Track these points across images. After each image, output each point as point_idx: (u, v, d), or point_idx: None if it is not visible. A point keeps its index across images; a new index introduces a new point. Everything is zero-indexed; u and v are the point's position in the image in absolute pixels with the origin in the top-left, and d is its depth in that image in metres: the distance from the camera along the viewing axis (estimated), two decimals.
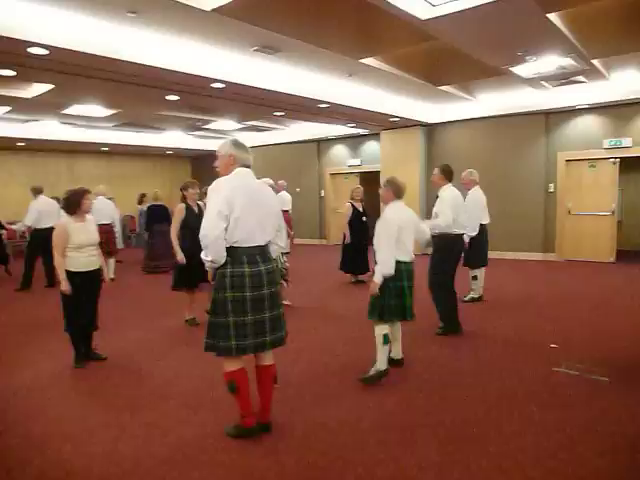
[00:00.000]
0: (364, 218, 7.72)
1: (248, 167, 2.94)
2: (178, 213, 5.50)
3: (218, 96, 7.38)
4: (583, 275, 8.29)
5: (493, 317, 5.71)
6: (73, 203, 4.25)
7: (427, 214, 11.03)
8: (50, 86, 7.24)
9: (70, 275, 4.15)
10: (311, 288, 7.61)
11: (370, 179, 12.25)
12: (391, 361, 4.08)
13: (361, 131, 11.97)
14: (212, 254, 2.78)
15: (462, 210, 5.27)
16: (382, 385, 3.80)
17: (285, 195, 11.82)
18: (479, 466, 2.67)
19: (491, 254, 9.54)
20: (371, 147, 12.31)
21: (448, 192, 5.08)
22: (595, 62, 7.09)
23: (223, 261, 2.80)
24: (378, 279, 3.73)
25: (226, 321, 2.83)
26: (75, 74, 6.12)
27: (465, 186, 6.27)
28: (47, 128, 11.19)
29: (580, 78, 7.83)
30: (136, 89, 7.05)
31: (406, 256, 3.86)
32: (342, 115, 9.41)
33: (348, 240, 7.63)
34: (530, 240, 9.89)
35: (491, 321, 5.53)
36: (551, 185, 9.69)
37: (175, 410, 3.47)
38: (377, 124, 10.66)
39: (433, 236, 4.67)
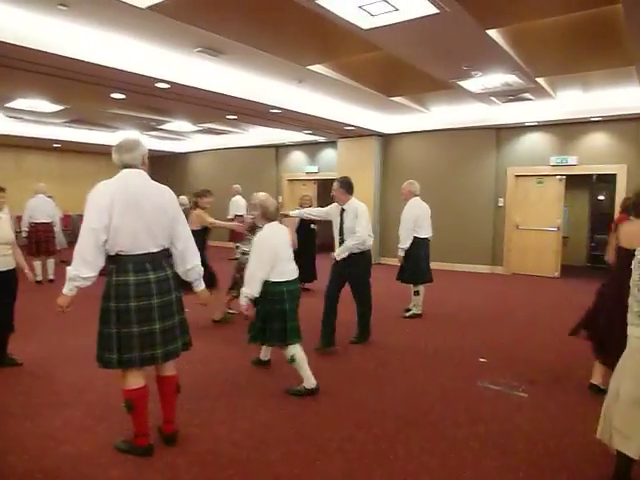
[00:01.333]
0: (312, 225, 7.65)
1: (135, 167, 2.78)
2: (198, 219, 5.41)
3: (165, 97, 7.20)
4: (527, 289, 8.44)
5: (428, 331, 5.70)
6: None
7: (380, 223, 11.13)
8: None
9: None
10: None
11: (327, 186, 12.22)
12: (259, 361, 4.34)
13: (319, 138, 11.95)
14: (88, 272, 2.63)
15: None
16: (299, 398, 3.71)
17: (239, 200, 11.71)
18: None
19: (441, 266, 9.72)
20: (329, 155, 12.30)
21: (364, 206, 4.99)
22: (540, 81, 7.25)
23: (91, 275, 2.64)
24: (243, 300, 3.57)
25: (110, 332, 2.68)
26: (8, 66, 5.85)
27: (403, 197, 6.21)
28: None
29: (527, 95, 8.00)
30: (80, 85, 6.81)
31: (287, 275, 3.65)
32: (297, 121, 9.35)
33: (295, 247, 7.52)
34: (479, 253, 10.03)
35: (425, 335, 5.51)
36: (500, 199, 9.87)
37: (79, 420, 3.30)
38: (333, 132, 10.65)
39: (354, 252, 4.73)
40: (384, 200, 11.16)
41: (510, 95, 7.94)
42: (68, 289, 2.64)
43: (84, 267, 2.60)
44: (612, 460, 2.47)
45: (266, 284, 3.55)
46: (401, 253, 5.97)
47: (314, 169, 12.64)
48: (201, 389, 3.87)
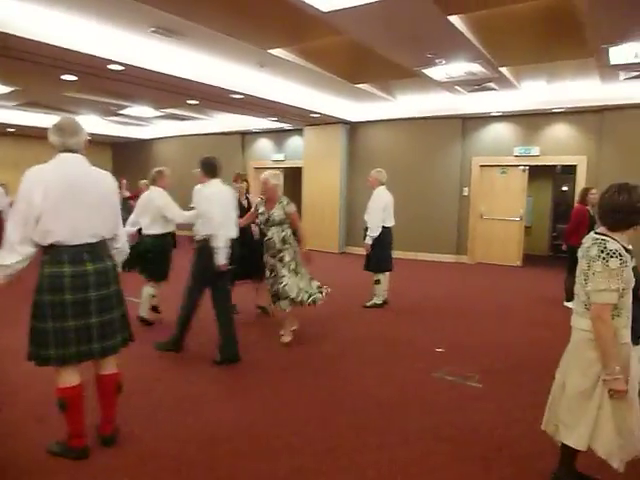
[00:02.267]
0: None
1: (75, 152, 2.60)
2: None
3: (119, 79, 6.88)
4: (490, 278, 8.51)
5: (388, 321, 5.66)
6: None
7: (347, 211, 11.06)
8: None
9: None
10: None
11: (295, 175, 12.08)
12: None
13: (285, 126, 11.74)
14: (15, 257, 2.46)
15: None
16: (246, 391, 3.61)
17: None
18: None
19: (405, 255, 9.74)
20: (295, 142, 12.12)
21: (210, 189, 4.11)
22: (504, 71, 7.23)
23: (14, 262, 2.46)
24: None
25: (45, 327, 2.51)
26: None
27: (370, 184, 6.16)
28: None
29: (492, 85, 7.99)
30: (28, 66, 6.43)
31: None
32: (261, 108, 9.13)
33: (257, 236, 7.36)
34: (444, 242, 10.07)
35: (385, 325, 5.48)
36: (465, 189, 9.91)
37: (18, 420, 3.12)
38: (299, 119, 10.47)
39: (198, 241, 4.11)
40: (351, 189, 11.08)
41: (475, 84, 7.91)
42: None
43: (8, 254, 2.44)
44: (559, 451, 2.45)
45: None
46: (369, 241, 5.91)
47: (281, 157, 12.44)
48: (148, 383, 3.72)
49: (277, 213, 4.51)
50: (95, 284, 2.59)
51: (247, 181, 6.09)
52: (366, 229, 6.11)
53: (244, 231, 4.82)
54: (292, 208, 4.56)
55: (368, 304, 6.20)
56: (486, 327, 5.43)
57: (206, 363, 4.14)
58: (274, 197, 4.56)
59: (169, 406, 3.34)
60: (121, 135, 14.44)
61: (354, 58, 7.09)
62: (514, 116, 9.24)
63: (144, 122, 13.25)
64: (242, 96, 8.00)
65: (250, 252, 5.07)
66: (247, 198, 5.77)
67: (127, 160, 15.76)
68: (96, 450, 2.76)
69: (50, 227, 2.46)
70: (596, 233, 2.22)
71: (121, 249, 2.90)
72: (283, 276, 4.45)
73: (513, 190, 9.62)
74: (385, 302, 6.26)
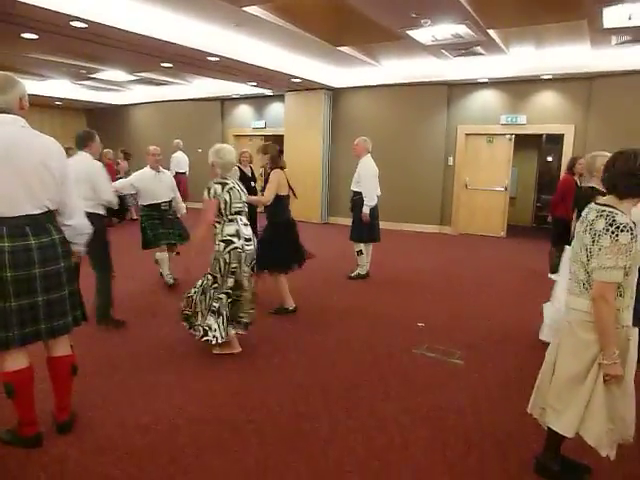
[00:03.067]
0: (252, 183, 7.20)
1: (8, 112, 2.30)
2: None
3: (83, 38, 6.40)
4: (473, 249, 8.38)
5: (370, 294, 5.50)
6: None
7: (329, 180, 10.79)
8: None
9: None
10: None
11: (277, 143, 11.67)
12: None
13: (266, 92, 11.30)
14: None
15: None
16: (218, 371, 3.43)
17: (181, 156, 11.04)
18: (296, 473, 2.36)
19: (389, 225, 9.53)
20: (276, 109, 11.69)
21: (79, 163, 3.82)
22: (492, 33, 6.91)
23: None
24: None
25: None
26: None
27: (355, 153, 5.95)
28: None
29: (479, 50, 7.68)
30: None
31: None
32: (238, 72, 8.69)
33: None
34: (427, 213, 9.90)
35: (366, 298, 5.32)
36: (450, 158, 9.68)
37: None
38: (279, 84, 10.04)
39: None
40: (333, 157, 10.77)
41: (462, 48, 7.59)
42: None
43: None
44: (543, 435, 2.32)
45: None
46: (366, 210, 5.71)
47: (261, 124, 12.03)
48: (113, 364, 3.51)
49: None
50: (40, 260, 2.34)
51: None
52: (352, 199, 5.94)
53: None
54: (205, 193, 3.59)
55: (352, 275, 6.08)
56: (469, 300, 5.30)
57: (176, 345, 3.93)
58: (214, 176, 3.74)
59: (133, 391, 3.14)
60: (95, 101, 13.82)
61: (335, 18, 6.70)
62: (501, 83, 8.96)
63: (118, 87, 12.66)
64: (218, 59, 7.57)
65: None
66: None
67: (102, 127, 15.06)
68: (51, 437, 2.56)
69: None
70: (598, 204, 2.02)
71: (75, 227, 2.56)
72: None
73: (498, 160, 9.42)
74: (367, 274, 6.12)
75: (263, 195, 4.58)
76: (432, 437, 2.67)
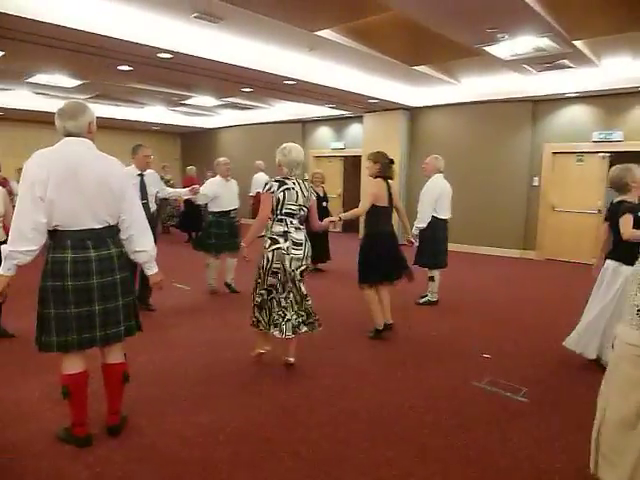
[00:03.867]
0: (324, 203, 7.27)
1: (76, 135, 2.52)
2: None
3: (170, 67, 6.92)
4: (559, 277, 7.76)
5: (437, 319, 5.26)
6: None
7: (406, 200, 10.58)
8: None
9: None
10: None
11: (355, 163, 11.76)
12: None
13: (345, 113, 11.43)
14: (27, 245, 2.39)
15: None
16: (266, 386, 3.43)
17: (262, 177, 11.41)
18: None
19: (464, 248, 9.16)
20: (355, 130, 11.78)
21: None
22: (579, 45, 6.47)
23: (31, 249, 2.40)
24: None
25: (48, 313, 2.48)
26: (16, 39, 5.75)
27: (425, 172, 5.71)
28: (20, 99, 10.88)
29: (566, 63, 7.21)
30: (86, 58, 6.64)
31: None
32: (315, 94, 8.90)
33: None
34: (509, 236, 9.35)
35: (433, 324, 5.08)
36: (535, 178, 9.11)
37: (34, 401, 3.16)
38: (357, 106, 10.12)
39: None
40: (410, 177, 10.58)
41: (546, 62, 7.17)
42: (6, 268, 2.42)
43: (23, 242, 2.39)
44: None
45: None
46: (416, 232, 5.47)
47: (340, 145, 12.16)
48: (168, 374, 3.64)
49: None
50: (98, 271, 2.52)
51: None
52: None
53: None
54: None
55: (421, 301, 5.79)
56: (548, 334, 4.82)
57: (229, 356, 4.01)
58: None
59: (183, 402, 3.23)
60: (187, 125, 14.84)
61: (409, 38, 6.65)
62: (593, 97, 8.32)
63: (208, 112, 13.49)
64: (294, 82, 7.81)
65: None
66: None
67: (194, 149, 16.22)
68: (101, 439, 2.70)
69: (52, 212, 2.41)
70: None
71: (131, 242, 2.67)
72: None
73: (590, 179, 8.70)
74: (436, 302, 5.81)
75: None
76: (477, 479, 2.45)
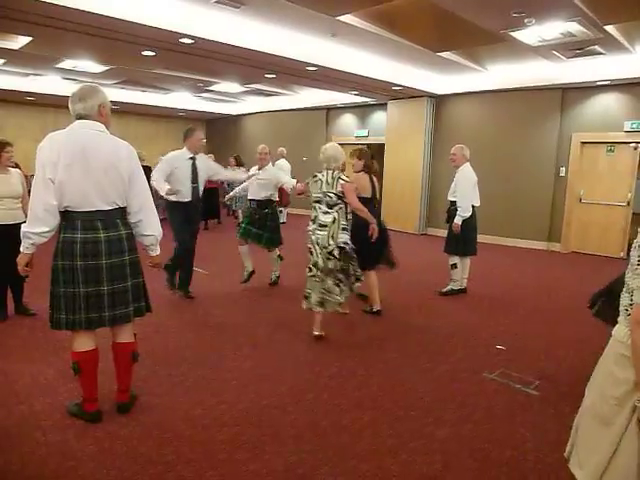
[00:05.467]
0: None
1: (86, 118, 2.56)
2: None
3: (193, 53, 6.94)
4: (583, 270, 7.56)
5: (455, 310, 5.20)
6: None
7: (429, 189, 10.47)
8: (29, 38, 7.05)
9: None
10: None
11: (379, 151, 11.63)
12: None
13: (370, 100, 11.30)
14: (39, 227, 2.47)
15: None
16: (274, 370, 3.46)
17: (283, 163, 11.41)
18: None
19: (488, 239, 8.99)
20: (379, 117, 11.63)
21: None
22: (610, 30, 6.22)
23: (44, 231, 2.49)
24: None
25: (58, 291, 2.56)
26: (44, 25, 5.86)
27: (453, 163, 5.58)
28: (50, 84, 11.11)
29: (597, 49, 6.94)
30: (113, 43, 6.73)
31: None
32: (338, 80, 8.81)
33: None
34: (534, 227, 9.14)
35: (450, 314, 5.03)
36: (562, 168, 8.86)
37: (49, 377, 3.27)
38: (381, 93, 9.98)
39: None
40: (434, 166, 10.44)
41: (576, 49, 6.93)
42: (24, 247, 2.53)
43: (36, 223, 2.48)
44: None
45: None
46: (459, 221, 5.39)
47: (364, 133, 12.05)
48: (182, 355, 3.72)
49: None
50: (107, 252, 2.58)
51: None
52: (449, 210, 5.62)
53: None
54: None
55: (444, 290, 5.73)
56: (565, 328, 4.73)
57: (246, 342, 4.06)
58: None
59: (193, 383, 3.29)
60: (213, 111, 14.93)
61: (433, 23, 6.51)
62: (625, 85, 7.99)
63: (233, 98, 13.52)
64: (316, 68, 7.75)
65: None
66: None
67: (219, 135, 16.32)
68: (110, 415, 2.79)
69: (63, 193, 2.48)
70: None
71: (139, 225, 2.73)
72: None
73: (620, 171, 8.41)
74: (463, 290, 5.76)
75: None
76: (479, 469, 2.43)
